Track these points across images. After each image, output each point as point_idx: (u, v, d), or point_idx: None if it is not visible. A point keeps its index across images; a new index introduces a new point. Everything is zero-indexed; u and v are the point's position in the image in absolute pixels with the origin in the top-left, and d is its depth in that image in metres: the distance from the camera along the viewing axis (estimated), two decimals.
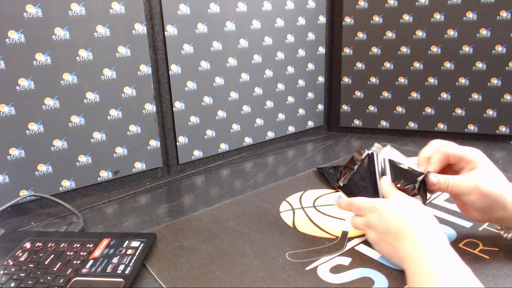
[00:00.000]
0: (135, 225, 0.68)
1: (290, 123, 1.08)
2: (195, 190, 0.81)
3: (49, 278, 0.51)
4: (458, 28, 0.96)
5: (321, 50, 1.09)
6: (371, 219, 0.53)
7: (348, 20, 1.05)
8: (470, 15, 0.94)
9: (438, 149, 0.55)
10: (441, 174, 0.53)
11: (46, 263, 0.54)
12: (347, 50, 1.07)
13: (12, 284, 0.50)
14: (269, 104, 1.02)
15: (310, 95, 1.10)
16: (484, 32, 0.94)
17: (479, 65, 0.97)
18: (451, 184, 0.51)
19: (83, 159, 0.78)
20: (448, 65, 0.99)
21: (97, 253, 0.56)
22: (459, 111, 1.01)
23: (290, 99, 1.06)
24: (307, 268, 0.52)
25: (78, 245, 0.58)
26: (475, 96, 0.99)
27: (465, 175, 0.52)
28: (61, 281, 0.50)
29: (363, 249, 0.56)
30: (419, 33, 0.99)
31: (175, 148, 0.89)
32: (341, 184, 0.61)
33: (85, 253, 0.56)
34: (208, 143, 0.94)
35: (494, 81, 0.96)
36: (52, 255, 0.55)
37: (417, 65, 1.02)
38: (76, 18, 0.72)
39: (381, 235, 0.51)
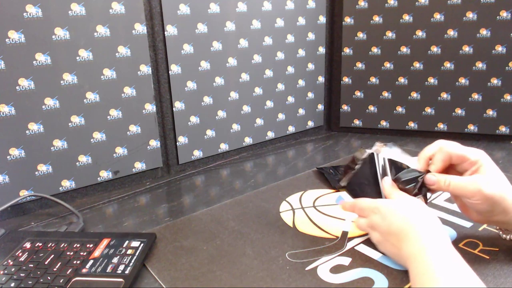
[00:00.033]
0: (135, 225, 0.68)
1: (290, 123, 1.08)
2: (195, 190, 0.81)
3: (49, 278, 0.51)
4: (458, 28, 0.96)
5: (321, 50, 1.09)
6: (374, 220, 0.53)
7: (348, 20, 1.05)
8: (470, 15, 0.94)
9: (441, 149, 0.54)
10: (444, 174, 0.53)
11: (46, 263, 0.54)
12: (347, 50, 1.07)
13: (12, 284, 0.50)
14: (269, 104, 1.02)
15: (310, 95, 1.10)
16: (484, 32, 0.94)
17: (479, 65, 0.96)
18: (452, 185, 0.51)
19: (83, 159, 0.78)
20: (448, 65, 0.99)
21: (97, 253, 0.56)
22: (459, 111, 1.01)
23: (290, 99, 1.06)
24: (307, 268, 0.52)
25: (78, 245, 0.58)
26: (475, 96, 0.99)
27: (468, 177, 0.51)
28: (61, 281, 0.50)
29: (363, 249, 0.56)
30: (419, 33, 0.99)
31: (175, 148, 0.89)
32: (343, 184, 0.61)
33: (85, 253, 0.56)
34: (208, 143, 0.94)
35: (494, 81, 0.96)
36: (52, 255, 0.55)
37: (417, 65, 1.02)
38: (76, 18, 0.72)
39: (384, 236, 0.51)
